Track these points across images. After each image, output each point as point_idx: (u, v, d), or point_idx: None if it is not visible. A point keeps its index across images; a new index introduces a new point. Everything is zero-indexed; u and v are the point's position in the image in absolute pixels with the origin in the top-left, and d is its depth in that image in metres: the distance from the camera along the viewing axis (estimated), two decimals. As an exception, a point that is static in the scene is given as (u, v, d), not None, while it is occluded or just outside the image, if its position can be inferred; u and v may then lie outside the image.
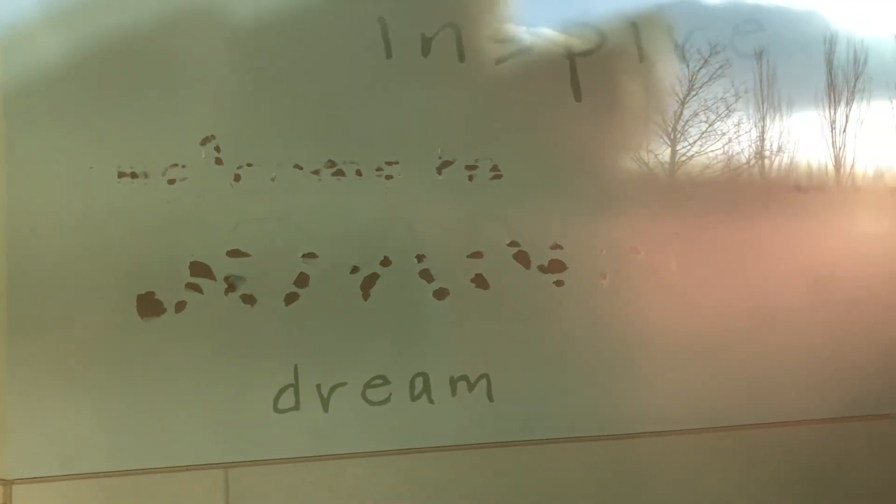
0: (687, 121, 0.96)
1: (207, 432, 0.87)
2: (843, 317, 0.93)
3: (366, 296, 0.91)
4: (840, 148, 1.01)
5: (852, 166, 0.99)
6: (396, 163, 0.91)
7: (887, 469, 0.95)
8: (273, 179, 0.89)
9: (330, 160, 0.90)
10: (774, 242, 0.93)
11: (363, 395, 0.91)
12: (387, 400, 0.91)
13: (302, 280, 0.90)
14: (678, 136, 0.96)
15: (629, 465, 0.93)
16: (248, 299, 0.89)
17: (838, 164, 0.98)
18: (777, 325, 0.92)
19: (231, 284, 0.88)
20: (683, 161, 0.95)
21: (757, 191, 0.95)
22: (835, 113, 1.01)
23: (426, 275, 0.91)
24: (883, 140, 1.00)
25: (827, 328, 0.93)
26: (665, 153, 0.94)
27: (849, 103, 1.02)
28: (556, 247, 0.92)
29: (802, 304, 0.92)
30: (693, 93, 0.95)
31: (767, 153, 0.98)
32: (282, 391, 0.90)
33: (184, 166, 0.85)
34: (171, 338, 0.85)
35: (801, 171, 0.97)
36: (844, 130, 1.03)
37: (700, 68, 0.94)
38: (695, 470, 0.93)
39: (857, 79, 1.06)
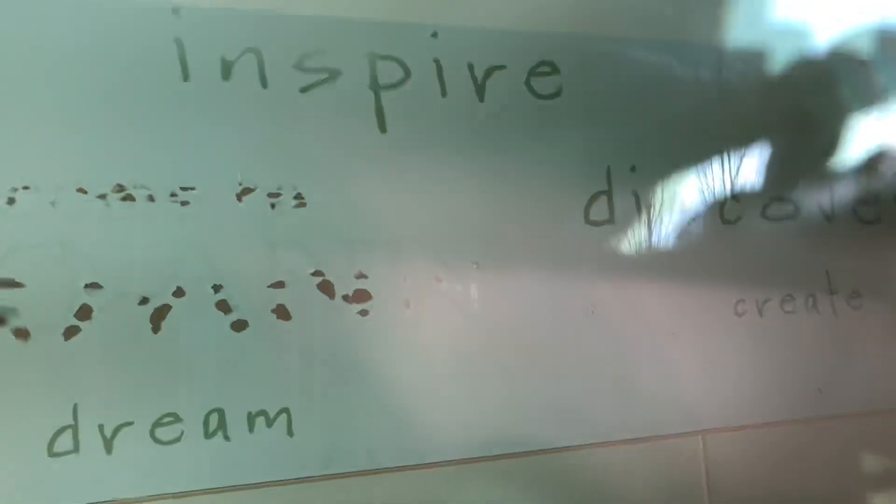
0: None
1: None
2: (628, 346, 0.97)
3: (156, 328, 0.86)
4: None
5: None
6: (193, 189, 0.87)
7: (675, 484, 0.99)
8: (53, 204, 0.83)
9: (118, 184, 0.86)
10: (566, 277, 0.96)
11: (152, 435, 0.85)
12: (178, 438, 0.86)
13: (84, 312, 0.84)
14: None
15: (430, 495, 0.92)
16: (21, 333, 0.82)
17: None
18: (567, 351, 0.95)
19: (0, 317, 0.81)
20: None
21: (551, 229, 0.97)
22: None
23: (223, 306, 0.87)
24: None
25: (617, 357, 0.97)
26: (469, 188, 0.95)
27: None
28: (361, 276, 0.91)
29: (592, 332, 0.96)
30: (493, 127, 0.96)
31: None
32: (58, 433, 0.83)
33: (-52, 189, 0.78)
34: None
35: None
36: None
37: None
38: (494, 497, 0.94)
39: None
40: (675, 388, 1.02)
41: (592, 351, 0.99)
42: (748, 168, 1.07)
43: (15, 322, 0.82)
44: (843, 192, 1.10)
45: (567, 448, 0.98)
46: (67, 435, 0.83)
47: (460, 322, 0.95)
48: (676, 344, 1.02)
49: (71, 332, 0.83)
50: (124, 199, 0.86)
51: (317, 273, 0.91)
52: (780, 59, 1.10)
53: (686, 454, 1.02)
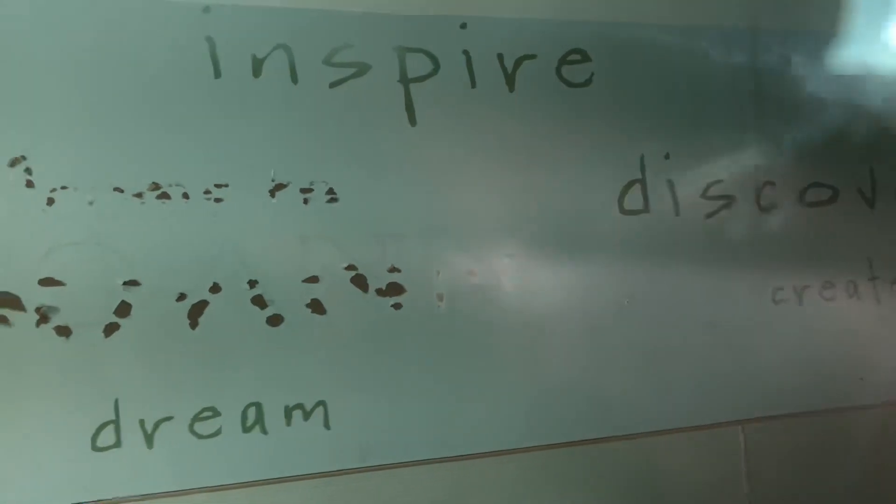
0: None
1: (17, 475, 0.81)
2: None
3: (194, 324, 0.87)
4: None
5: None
6: (226, 185, 0.88)
7: (715, 474, 0.98)
8: (91, 203, 0.84)
9: (154, 182, 0.87)
10: (601, 268, 0.95)
11: (191, 429, 0.87)
12: (217, 433, 0.87)
13: (123, 309, 0.85)
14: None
15: (466, 486, 0.92)
16: (63, 331, 0.83)
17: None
18: (602, 343, 0.94)
19: (43, 315, 0.83)
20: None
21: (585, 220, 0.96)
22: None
23: (259, 301, 0.88)
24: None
25: (653, 347, 0.96)
26: (500, 179, 0.95)
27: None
28: (394, 269, 0.92)
29: (627, 323, 0.95)
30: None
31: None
32: (101, 428, 0.84)
33: (-11, 190, 0.79)
34: (-27, 375, 0.77)
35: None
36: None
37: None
38: (530, 488, 0.94)
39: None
40: (713, 378, 1.01)
41: (628, 342, 0.98)
42: (784, 153, 1.05)
43: (56, 320, 0.83)
44: (885, 177, 1.07)
45: (603, 439, 0.97)
46: (110, 430, 0.85)
47: (494, 315, 0.94)
48: (714, 333, 1.00)
49: (111, 328, 0.85)
50: (160, 196, 0.87)
51: (350, 267, 0.91)
52: (816, 42, 1.08)
53: (725, 444, 1.01)
